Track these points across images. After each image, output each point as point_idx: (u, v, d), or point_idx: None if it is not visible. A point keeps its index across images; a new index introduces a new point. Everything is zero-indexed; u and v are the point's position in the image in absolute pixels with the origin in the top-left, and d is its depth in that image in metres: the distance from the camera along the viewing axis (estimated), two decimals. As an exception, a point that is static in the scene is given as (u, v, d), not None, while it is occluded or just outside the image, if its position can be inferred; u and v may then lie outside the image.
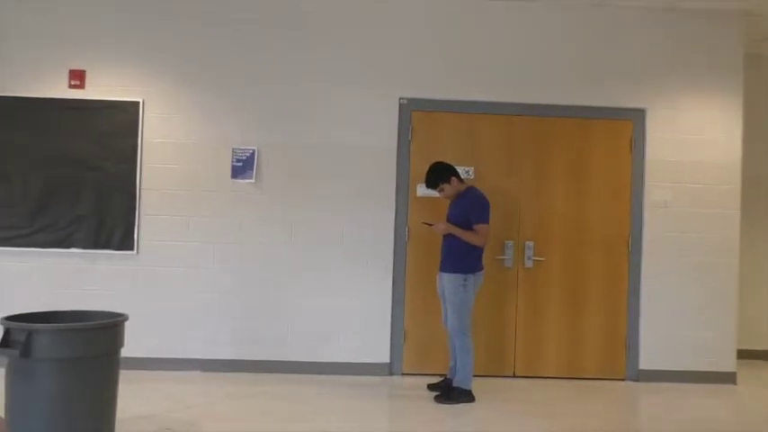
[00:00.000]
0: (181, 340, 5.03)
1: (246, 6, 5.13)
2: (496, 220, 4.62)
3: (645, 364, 5.16)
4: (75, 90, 5.04)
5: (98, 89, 5.05)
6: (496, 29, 5.21)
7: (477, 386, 4.51)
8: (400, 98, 5.16)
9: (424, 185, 5.00)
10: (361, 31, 5.16)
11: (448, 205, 4.69)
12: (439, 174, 4.54)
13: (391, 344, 5.10)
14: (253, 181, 5.08)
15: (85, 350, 3.00)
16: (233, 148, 5.08)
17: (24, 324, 2.97)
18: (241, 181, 5.08)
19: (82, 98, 5.02)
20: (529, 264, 5.15)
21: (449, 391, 4.47)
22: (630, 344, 5.20)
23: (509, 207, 5.15)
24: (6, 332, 2.96)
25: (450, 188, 4.55)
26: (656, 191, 5.21)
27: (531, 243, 5.17)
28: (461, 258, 4.46)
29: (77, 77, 5.04)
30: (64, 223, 4.98)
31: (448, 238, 4.50)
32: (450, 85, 5.17)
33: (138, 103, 5.05)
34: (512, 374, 5.16)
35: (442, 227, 4.50)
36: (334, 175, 5.10)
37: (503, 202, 5.03)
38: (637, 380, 5.16)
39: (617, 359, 5.22)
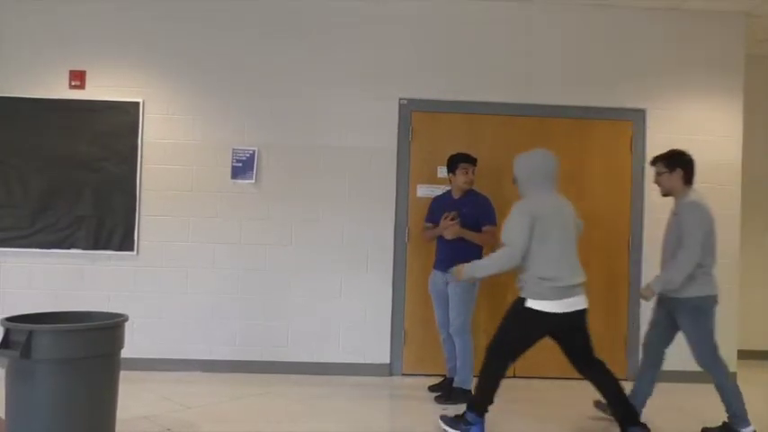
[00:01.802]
0: (181, 341, 5.04)
1: (246, 7, 5.13)
2: (497, 221, 4.61)
3: (645, 364, 5.16)
4: (75, 91, 5.04)
5: (98, 90, 5.06)
6: (496, 29, 5.21)
7: (477, 387, 4.51)
8: (400, 99, 5.16)
9: (424, 186, 5.02)
10: (361, 32, 5.16)
11: (433, 204, 4.71)
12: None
13: (391, 344, 5.11)
14: (253, 181, 5.08)
15: (86, 351, 2.99)
16: (233, 149, 5.08)
17: (24, 325, 2.96)
18: (241, 181, 5.08)
19: (82, 99, 5.03)
20: (529, 264, 5.15)
21: (449, 392, 4.46)
22: (631, 344, 5.20)
23: (509, 207, 5.11)
24: (6, 333, 2.96)
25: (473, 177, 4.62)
26: (656, 191, 5.20)
27: (531, 243, 5.16)
28: (473, 259, 4.47)
29: (78, 78, 5.04)
30: (64, 224, 4.98)
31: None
32: (451, 85, 5.17)
33: (138, 103, 5.05)
34: (512, 375, 5.12)
35: (457, 230, 4.43)
36: (334, 175, 5.11)
37: (503, 202, 4.99)
38: (637, 380, 5.15)
39: (617, 359, 5.21)
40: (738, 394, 3.77)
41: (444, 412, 3.89)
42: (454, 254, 4.43)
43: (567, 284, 3.51)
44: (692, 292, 3.71)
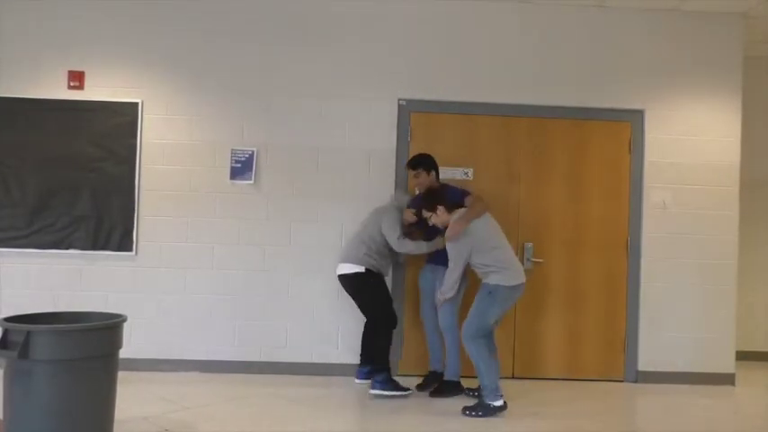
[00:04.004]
0: (179, 341, 5.03)
1: (245, 8, 5.13)
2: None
3: (643, 365, 5.17)
4: (74, 91, 5.04)
5: (97, 90, 5.05)
6: (496, 30, 5.22)
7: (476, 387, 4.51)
8: (399, 99, 5.16)
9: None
10: (361, 33, 5.16)
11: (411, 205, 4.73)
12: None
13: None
14: (252, 182, 5.08)
15: (84, 351, 2.99)
16: (232, 149, 5.08)
17: (22, 325, 2.97)
18: (240, 182, 5.08)
19: (81, 99, 5.02)
20: (528, 265, 5.13)
21: (443, 386, 4.59)
22: (629, 345, 5.20)
23: (508, 208, 5.14)
24: (5, 333, 2.96)
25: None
26: (654, 192, 5.22)
27: (529, 245, 5.17)
28: None
29: (76, 78, 5.04)
30: (63, 224, 4.98)
31: None
32: (449, 86, 5.17)
33: (136, 104, 5.05)
34: (510, 375, 5.14)
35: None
36: (333, 176, 5.11)
37: (502, 203, 5.03)
38: (635, 381, 5.16)
39: (616, 360, 5.22)
40: (491, 368, 4.21)
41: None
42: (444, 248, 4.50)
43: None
44: (491, 280, 4.23)
